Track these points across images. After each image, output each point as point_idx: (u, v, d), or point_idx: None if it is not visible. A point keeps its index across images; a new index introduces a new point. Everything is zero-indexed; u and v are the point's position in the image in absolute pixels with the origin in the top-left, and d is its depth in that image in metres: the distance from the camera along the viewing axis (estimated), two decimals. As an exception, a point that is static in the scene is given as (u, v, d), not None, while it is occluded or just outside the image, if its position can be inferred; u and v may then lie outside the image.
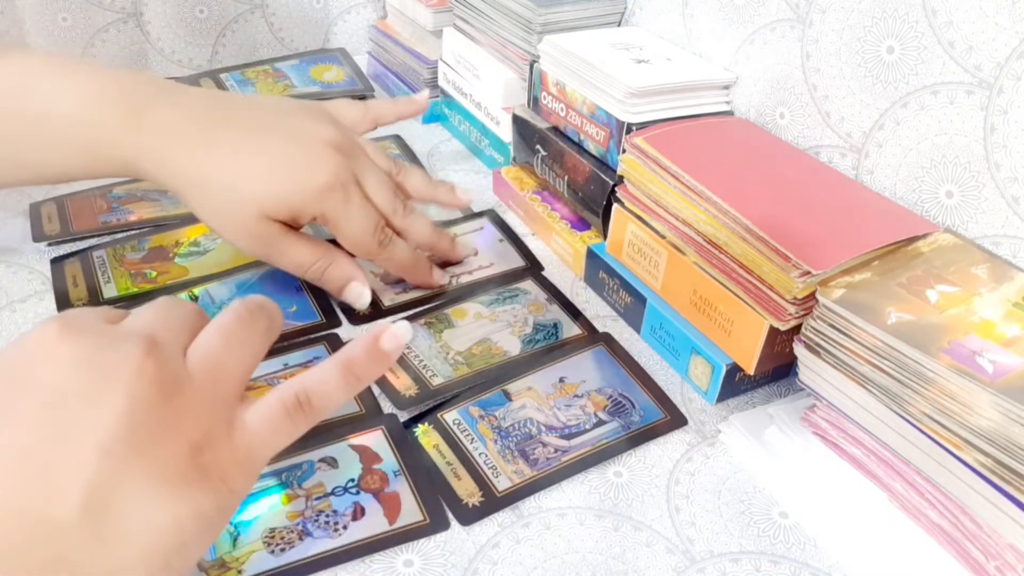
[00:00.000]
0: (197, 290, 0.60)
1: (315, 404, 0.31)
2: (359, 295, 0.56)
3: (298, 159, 0.49)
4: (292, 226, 0.52)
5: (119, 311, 0.32)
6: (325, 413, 0.31)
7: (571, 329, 0.60)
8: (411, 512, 0.45)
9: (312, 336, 0.57)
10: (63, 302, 0.59)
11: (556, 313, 0.61)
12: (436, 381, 0.54)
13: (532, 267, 0.67)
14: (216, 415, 0.29)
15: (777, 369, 0.56)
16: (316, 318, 0.59)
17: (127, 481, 0.26)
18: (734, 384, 0.54)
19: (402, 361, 0.56)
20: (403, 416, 0.52)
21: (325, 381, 0.31)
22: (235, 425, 0.29)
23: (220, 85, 0.85)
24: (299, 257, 0.52)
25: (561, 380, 0.55)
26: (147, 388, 0.27)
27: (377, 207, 0.53)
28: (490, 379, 0.54)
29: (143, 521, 0.26)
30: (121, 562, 0.26)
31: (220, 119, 0.50)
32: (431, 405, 0.53)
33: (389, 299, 0.62)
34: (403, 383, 0.54)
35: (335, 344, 0.57)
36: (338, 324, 0.59)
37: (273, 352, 0.55)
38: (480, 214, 0.73)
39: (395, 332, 0.32)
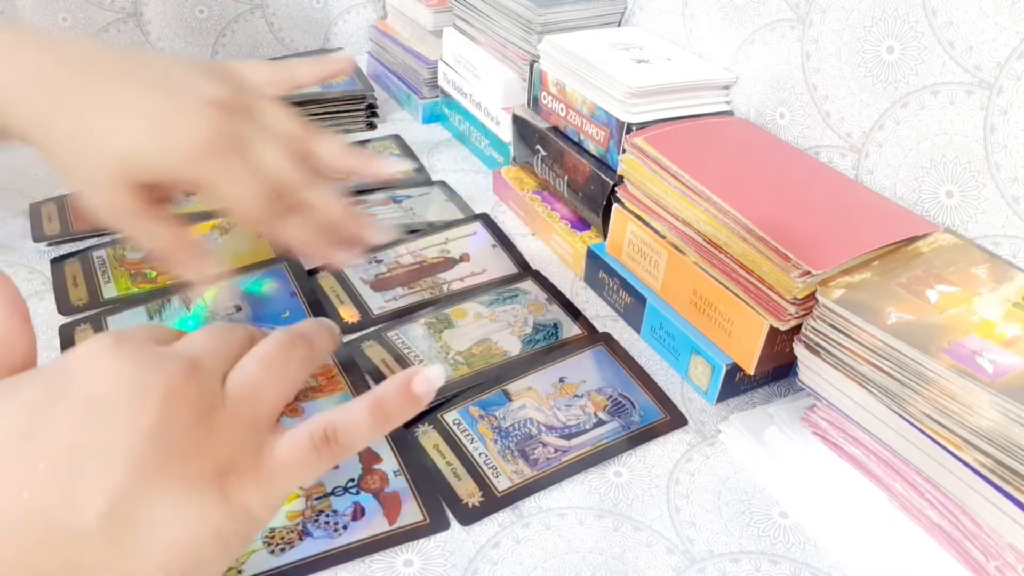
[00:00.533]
0: (193, 294, 0.60)
1: (342, 440, 0.31)
2: (199, 291, 0.48)
3: (171, 116, 0.42)
4: (166, 198, 0.46)
5: (173, 331, 0.33)
6: (352, 451, 0.31)
7: (571, 329, 0.60)
8: (411, 512, 0.45)
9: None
10: (63, 302, 0.59)
11: (556, 313, 0.61)
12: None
13: (525, 273, 0.66)
14: (245, 441, 0.29)
15: (777, 369, 0.56)
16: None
17: (150, 495, 0.26)
18: (734, 384, 0.54)
19: (402, 362, 0.56)
20: None
21: (354, 419, 0.31)
22: (263, 453, 0.30)
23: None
24: (150, 238, 0.45)
25: (561, 380, 0.55)
26: (179, 408, 0.27)
27: (272, 175, 0.46)
28: (490, 379, 0.54)
29: (162, 536, 0.26)
30: (135, 574, 0.26)
31: (90, 68, 0.43)
32: (431, 405, 0.52)
33: (378, 306, 0.61)
34: None
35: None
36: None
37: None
38: (473, 218, 0.72)
39: (428, 376, 0.32)
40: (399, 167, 0.53)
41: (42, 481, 0.25)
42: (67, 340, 0.55)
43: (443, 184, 0.78)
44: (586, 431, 0.51)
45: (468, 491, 0.47)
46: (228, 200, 0.44)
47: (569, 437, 0.51)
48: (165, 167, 0.42)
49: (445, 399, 0.53)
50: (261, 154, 0.45)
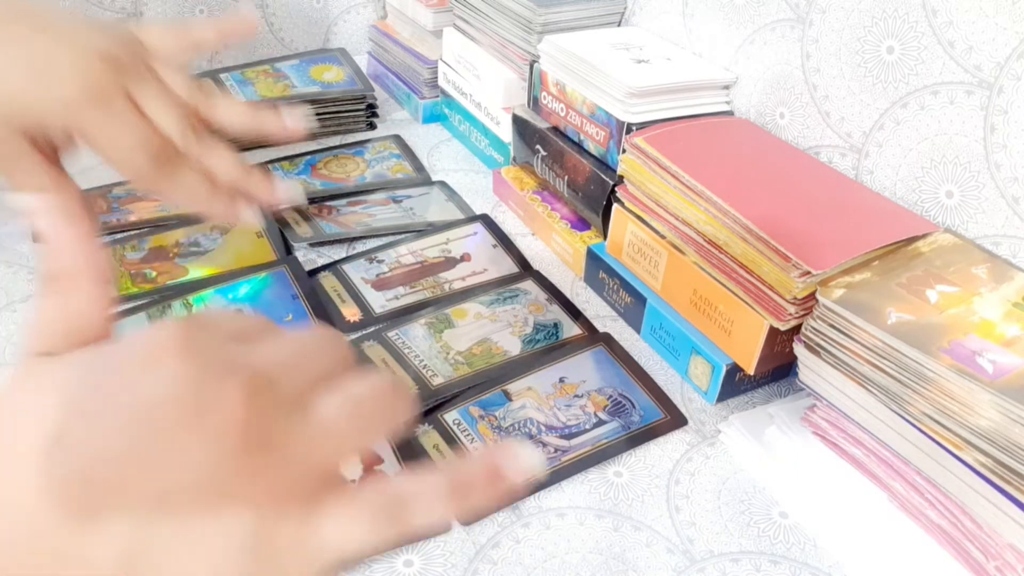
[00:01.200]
0: (193, 298, 0.60)
1: (407, 513, 0.26)
2: (40, 226, 0.44)
3: (52, 62, 0.42)
4: (44, 146, 0.45)
5: (260, 324, 0.28)
6: (416, 527, 0.26)
7: (571, 329, 0.60)
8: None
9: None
10: (63, 302, 0.59)
11: (556, 313, 0.61)
12: (436, 381, 0.54)
13: (525, 272, 0.66)
14: (296, 493, 0.25)
15: (777, 369, 0.56)
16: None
17: (170, 541, 0.24)
18: (734, 384, 0.54)
19: (403, 362, 0.56)
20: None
21: (426, 490, 0.26)
22: (312, 509, 0.25)
23: (220, 85, 0.85)
24: (24, 179, 0.44)
25: (561, 380, 0.55)
26: (231, 437, 0.24)
27: (156, 128, 0.45)
28: (490, 379, 0.54)
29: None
30: None
31: None
32: (431, 405, 0.53)
33: (380, 306, 0.62)
34: (404, 383, 0.54)
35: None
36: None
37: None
38: (474, 219, 0.72)
39: (525, 459, 0.27)
40: (296, 119, 0.50)
41: (52, 505, 0.23)
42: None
43: (443, 184, 0.78)
44: (586, 431, 0.51)
45: None
46: (107, 150, 0.44)
47: (569, 437, 0.51)
48: (43, 111, 0.42)
49: (445, 399, 0.53)
50: (145, 107, 0.44)
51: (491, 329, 0.59)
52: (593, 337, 0.59)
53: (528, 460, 0.26)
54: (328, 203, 0.74)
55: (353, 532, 0.25)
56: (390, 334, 0.58)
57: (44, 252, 0.29)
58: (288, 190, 0.50)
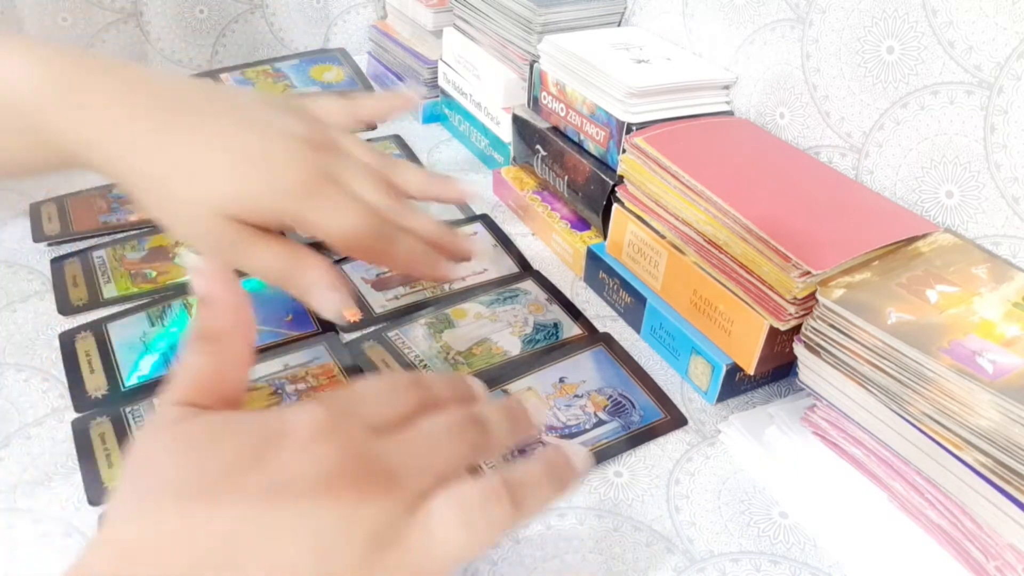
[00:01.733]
0: (193, 298, 0.60)
1: (519, 498, 0.27)
2: (328, 302, 0.45)
3: (266, 155, 0.43)
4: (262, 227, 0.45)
5: (408, 397, 0.31)
6: (529, 515, 0.28)
7: (571, 329, 0.60)
8: None
9: (310, 333, 0.57)
10: (63, 302, 0.59)
11: (556, 313, 0.61)
12: None
13: (526, 272, 0.66)
14: (404, 515, 0.27)
15: (777, 369, 0.56)
16: (312, 327, 0.58)
17: (273, 528, 0.25)
18: (734, 384, 0.54)
19: (403, 362, 0.56)
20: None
21: (531, 474, 0.28)
22: (417, 514, 0.27)
23: (220, 85, 0.85)
24: (262, 261, 0.44)
25: (561, 380, 0.55)
26: (358, 537, 0.26)
27: (369, 204, 0.46)
28: (490, 379, 0.54)
29: None
30: None
31: (178, 106, 0.43)
32: None
33: (380, 305, 0.61)
34: None
35: (334, 345, 0.57)
36: (336, 333, 0.59)
37: (272, 353, 0.55)
38: (474, 218, 0.72)
39: (579, 453, 0.31)
40: (473, 189, 0.54)
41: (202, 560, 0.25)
42: (68, 348, 0.55)
43: None
44: (586, 431, 0.51)
45: None
46: (332, 234, 0.44)
47: (569, 437, 0.51)
48: (264, 207, 0.42)
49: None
50: (354, 186, 0.45)
51: (491, 329, 0.59)
52: (593, 337, 0.59)
53: (586, 459, 0.30)
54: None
55: (462, 522, 0.27)
56: (390, 334, 0.58)
57: (201, 311, 0.32)
58: (478, 244, 0.54)
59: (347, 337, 0.58)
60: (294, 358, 0.55)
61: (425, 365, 0.55)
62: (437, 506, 0.27)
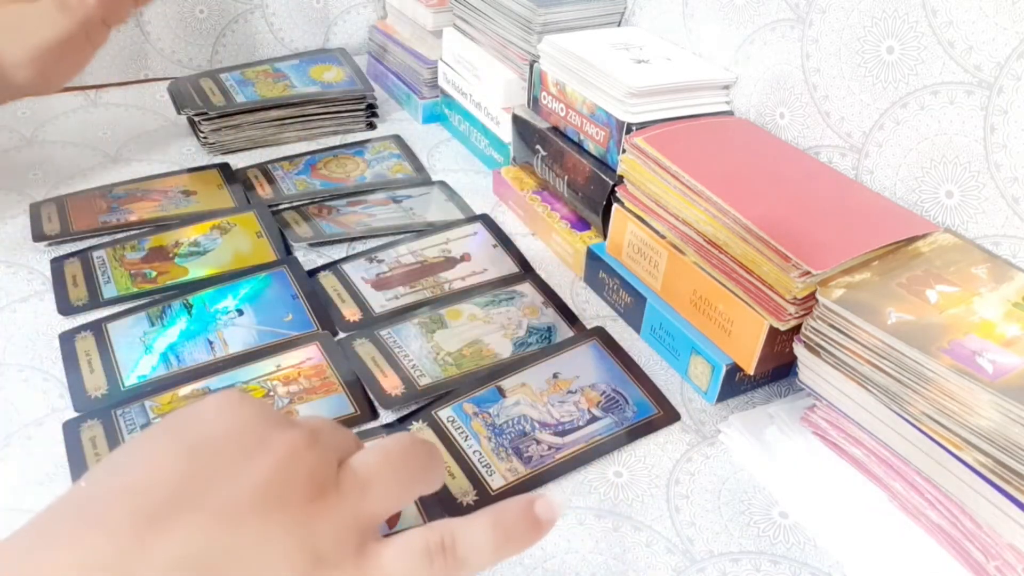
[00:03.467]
0: (192, 298, 0.60)
1: (460, 552, 0.27)
2: None
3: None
4: None
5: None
6: (469, 568, 0.27)
7: (566, 334, 0.60)
8: (411, 517, 0.45)
9: (304, 334, 0.57)
10: (63, 302, 0.59)
11: (551, 317, 0.61)
12: (424, 381, 0.54)
13: (526, 272, 0.66)
14: (349, 533, 0.27)
15: (777, 369, 0.56)
16: (312, 327, 0.58)
17: (237, 553, 0.25)
18: (734, 384, 0.54)
19: (392, 360, 0.56)
20: (389, 416, 0.52)
21: (474, 530, 0.27)
22: (366, 553, 0.27)
23: (220, 85, 0.85)
24: None
25: (555, 376, 0.55)
26: (296, 474, 0.26)
27: None
28: (481, 378, 0.54)
29: None
30: None
31: None
32: (418, 406, 0.52)
33: (380, 305, 0.61)
34: (391, 382, 0.54)
35: (327, 344, 0.57)
36: (335, 333, 0.59)
37: (265, 352, 0.55)
38: (474, 219, 0.72)
39: (551, 502, 0.29)
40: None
41: (125, 508, 0.25)
42: (68, 348, 0.55)
43: (443, 184, 0.78)
44: (580, 428, 0.51)
45: (462, 489, 0.47)
46: None
47: (563, 434, 0.51)
48: None
49: (431, 400, 0.53)
50: None
51: (483, 331, 0.59)
52: (586, 332, 0.59)
53: (554, 501, 0.29)
54: (328, 203, 0.74)
55: (409, 571, 0.27)
56: (382, 332, 0.58)
57: None
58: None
59: (345, 336, 0.58)
60: (287, 358, 0.55)
61: (414, 365, 0.55)
62: (384, 555, 0.27)
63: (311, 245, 0.68)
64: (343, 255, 0.67)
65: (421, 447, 0.30)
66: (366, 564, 0.26)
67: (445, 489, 0.47)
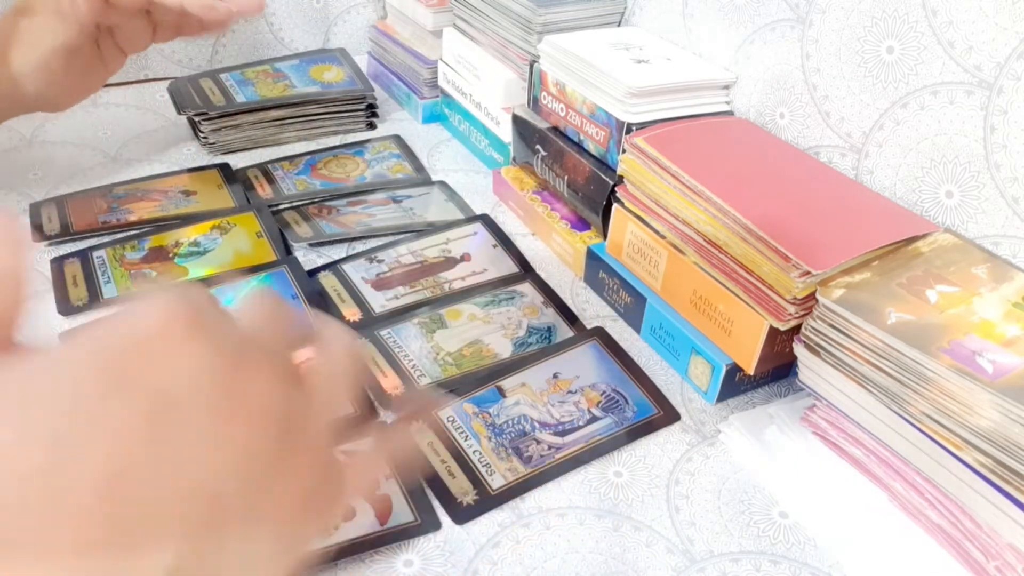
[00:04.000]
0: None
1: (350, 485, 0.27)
2: None
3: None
4: None
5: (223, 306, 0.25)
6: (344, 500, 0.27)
7: (566, 334, 0.60)
8: (402, 513, 0.45)
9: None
10: (63, 302, 0.59)
11: (551, 317, 0.61)
12: (424, 381, 0.54)
13: (526, 272, 0.66)
14: (327, 462, 0.25)
15: (777, 369, 0.55)
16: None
17: (230, 536, 0.21)
18: (734, 384, 0.54)
19: (392, 360, 0.56)
20: (389, 416, 0.52)
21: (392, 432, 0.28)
22: (337, 473, 0.25)
23: (220, 85, 0.85)
24: None
25: (555, 376, 0.55)
26: (274, 421, 0.22)
27: None
28: (482, 377, 0.54)
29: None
30: None
31: None
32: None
33: (380, 305, 0.61)
34: (390, 383, 0.54)
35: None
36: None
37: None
38: (474, 219, 0.72)
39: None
40: None
41: (103, 508, 0.19)
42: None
43: (443, 184, 0.78)
44: (580, 427, 0.51)
45: (462, 489, 0.47)
46: None
47: (563, 434, 0.51)
48: None
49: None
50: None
51: (483, 331, 0.59)
52: (586, 332, 0.59)
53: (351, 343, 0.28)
54: (328, 203, 0.74)
55: (364, 471, 0.27)
56: (382, 332, 0.58)
57: None
58: None
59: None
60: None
61: (414, 365, 0.55)
62: (350, 470, 0.26)
63: (311, 245, 0.68)
64: (343, 255, 0.67)
65: (354, 345, 0.28)
66: (333, 472, 0.26)
67: (445, 488, 0.47)
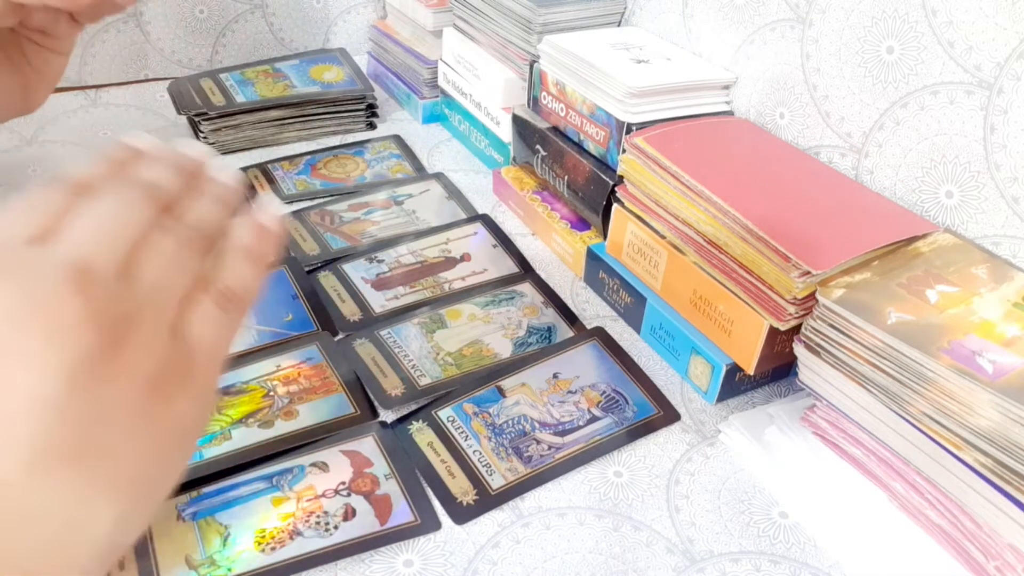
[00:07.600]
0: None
1: (239, 294, 0.29)
2: None
3: None
4: None
5: (55, 199, 0.26)
6: (251, 299, 0.29)
7: (566, 334, 0.60)
8: (402, 513, 0.45)
9: (304, 334, 0.57)
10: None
11: (551, 317, 0.61)
12: (424, 381, 0.54)
13: (526, 272, 0.66)
14: (167, 339, 0.26)
15: (777, 369, 0.55)
16: (312, 327, 0.58)
17: (89, 428, 0.23)
18: (734, 384, 0.54)
19: (392, 360, 0.56)
20: (389, 416, 0.52)
21: (237, 271, 0.29)
22: (184, 336, 0.26)
23: (220, 85, 0.85)
24: None
25: (555, 376, 0.55)
26: (86, 337, 0.23)
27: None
28: (481, 378, 0.54)
29: (113, 466, 0.24)
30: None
31: None
32: (417, 406, 0.52)
33: (380, 305, 0.61)
34: (391, 382, 0.54)
35: (327, 344, 0.56)
36: (335, 333, 0.59)
37: (266, 353, 0.55)
38: (474, 219, 0.72)
39: (268, 212, 0.31)
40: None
41: None
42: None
43: (441, 176, 0.78)
44: (580, 427, 0.51)
45: (462, 489, 0.47)
46: None
47: (563, 434, 0.51)
48: None
49: (431, 400, 0.53)
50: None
51: (483, 331, 0.59)
52: (586, 332, 0.59)
53: (268, 208, 0.30)
54: (328, 205, 0.73)
55: (219, 333, 0.28)
56: (382, 332, 0.58)
57: None
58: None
59: (340, 336, 0.58)
60: (287, 358, 0.55)
61: (414, 365, 0.55)
62: (197, 333, 0.27)
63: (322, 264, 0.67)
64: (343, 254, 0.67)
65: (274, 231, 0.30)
66: (189, 345, 0.26)
67: (445, 488, 0.47)
